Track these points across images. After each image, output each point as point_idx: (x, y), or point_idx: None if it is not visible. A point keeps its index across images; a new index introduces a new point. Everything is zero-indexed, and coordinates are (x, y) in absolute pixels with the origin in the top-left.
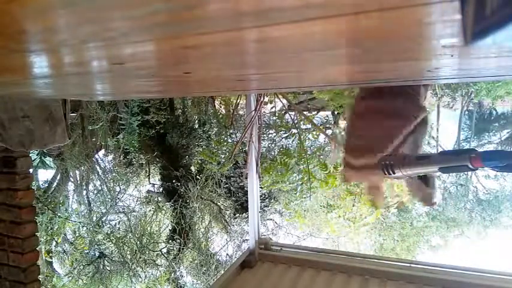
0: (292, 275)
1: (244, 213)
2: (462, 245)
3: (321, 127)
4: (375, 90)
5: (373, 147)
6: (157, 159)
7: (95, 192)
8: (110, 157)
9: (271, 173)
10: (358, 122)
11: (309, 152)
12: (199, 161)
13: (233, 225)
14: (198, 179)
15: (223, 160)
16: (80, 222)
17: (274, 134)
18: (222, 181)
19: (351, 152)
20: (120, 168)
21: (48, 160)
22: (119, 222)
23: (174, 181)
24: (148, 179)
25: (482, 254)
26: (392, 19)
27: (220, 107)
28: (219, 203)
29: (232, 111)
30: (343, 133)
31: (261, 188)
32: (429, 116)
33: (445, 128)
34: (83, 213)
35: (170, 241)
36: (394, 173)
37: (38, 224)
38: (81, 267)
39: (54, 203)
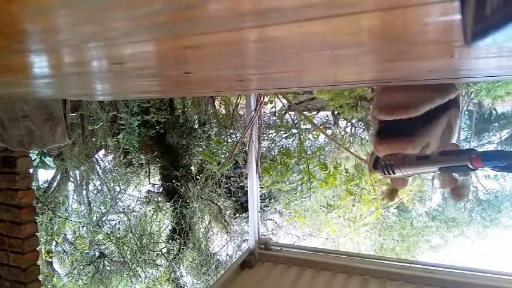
0: (292, 275)
1: (244, 213)
2: (462, 245)
3: (321, 127)
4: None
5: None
6: (157, 159)
7: (95, 192)
8: (110, 157)
9: (271, 173)
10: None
11: (309, 152)
12: (199, 161)
13: (233, 225)
14: (198, 179)
15: (223, 160)
16: (80, 222)
17: (274, 134)
18: (222, 181)
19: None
20: (120, 168)
21: (48, 160)
22: (119, 222)
23: (174, 181)
24: (148, 179)
25: (482, 254)
26: (392, 19)
27: (220, 107)
28: (219, 203)
29: (232, 111)
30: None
31: (261, 188)
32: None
33: None
34: (83, 213)
35: (170, 241)
36: (394, 173)
37: (38, 224)
38: (81, 267)
39: (54, 203)
